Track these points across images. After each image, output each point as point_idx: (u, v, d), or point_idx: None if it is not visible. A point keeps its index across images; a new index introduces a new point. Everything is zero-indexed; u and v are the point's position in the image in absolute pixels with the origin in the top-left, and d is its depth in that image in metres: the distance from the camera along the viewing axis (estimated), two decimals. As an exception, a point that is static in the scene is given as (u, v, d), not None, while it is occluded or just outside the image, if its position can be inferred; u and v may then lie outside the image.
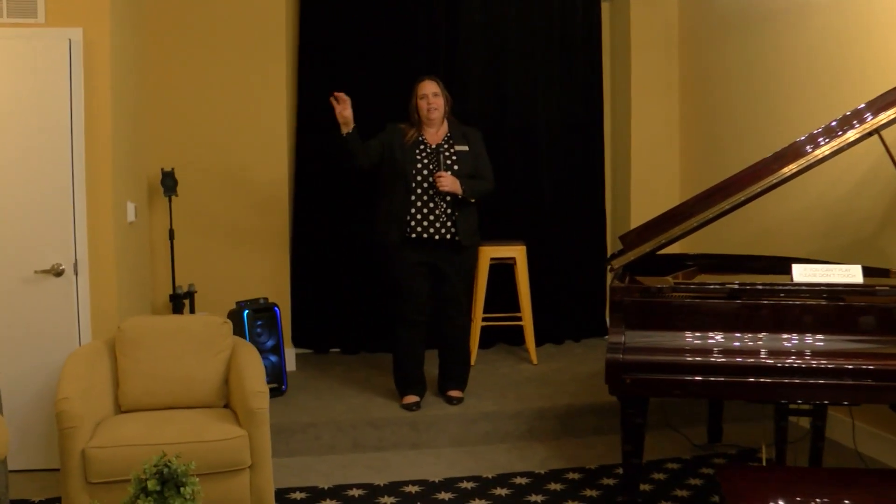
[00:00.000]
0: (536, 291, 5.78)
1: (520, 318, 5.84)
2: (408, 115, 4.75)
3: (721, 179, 5.42)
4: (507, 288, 5.91)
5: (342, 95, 4.40)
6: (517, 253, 5.62)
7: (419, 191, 4.55)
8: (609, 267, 3.55)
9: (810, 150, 3.26)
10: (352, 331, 6.02)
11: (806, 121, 4.68)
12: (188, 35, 5.31)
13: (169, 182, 5.04)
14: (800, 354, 2.98)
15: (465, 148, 4.69)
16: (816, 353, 2.98)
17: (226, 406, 3.74)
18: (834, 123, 3.31)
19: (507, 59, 6.15)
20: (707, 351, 3.03)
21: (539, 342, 5.96)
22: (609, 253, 6.49)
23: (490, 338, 6.07)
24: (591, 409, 4.67)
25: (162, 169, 5.06)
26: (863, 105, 3.31)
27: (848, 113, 3.32)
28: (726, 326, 3.06)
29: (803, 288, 3.10)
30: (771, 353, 3.00)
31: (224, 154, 5.40)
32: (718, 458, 4.25)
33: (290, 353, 5.52)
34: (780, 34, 4.90)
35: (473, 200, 4.67)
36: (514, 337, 6.17)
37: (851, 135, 3.27)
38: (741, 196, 3.36)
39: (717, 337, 3.07)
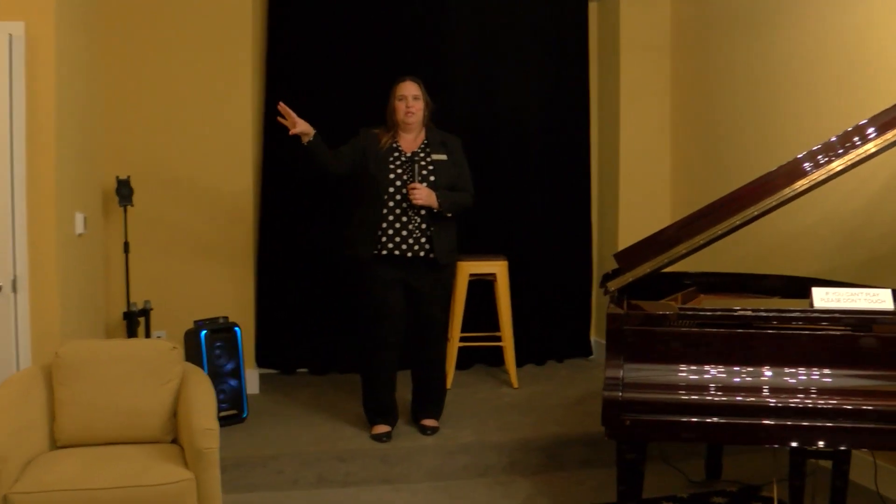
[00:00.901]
0: (517, 309, 5.43)
1: (500, 338, 5.51)
2: (384, 118, 4.40)
3: (713, 190, 5.17)
4: (487, 305, 5.58)
5: (283, 108, 4.09)
6: (498, 268, 5.28)
7: (391, 203, 4.19)
8: (604, 289, 3.20)
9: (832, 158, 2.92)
10: (321, 350, 5.65)
11: (810, 129, 4.38)
12: (147, 34, 4.93)
13: (124, 191, 4.67)
14: (841, 394, 2.63)
15: (444, 157, 4.33)
16: (866, 393, 2.63)
17: (174, 441, 3.35)
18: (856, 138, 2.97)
19: (493, 62, 5.83)
20: (730, 388, 2.67)
21: (520, 363, 5.62)
22: (594, 268, 6.18)
23: (467, 358, 5.71)
24: (581, 439, 4.30)
25: (117, 177, 4.69)
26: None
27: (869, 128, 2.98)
28: (745, 360, 2.70)
29: (827, 315, 2.75)
30: (794, 392, 2.65)
31: (185, 162, 5.01)
32: (718, 497, 3.89)
33: (254, 375, 5.13)
34: (780, 36, 4.58)
35: (450, 215, 4.31)
36: (492, 357, 5.82)
37: (871, 147, 2.93)
38: (754, 210, 3.00)
39: (741, 372, 2.71)
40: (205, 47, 5.00)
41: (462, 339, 5.33)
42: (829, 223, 4.20)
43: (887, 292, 2.81)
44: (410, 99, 4.27)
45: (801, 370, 2.68)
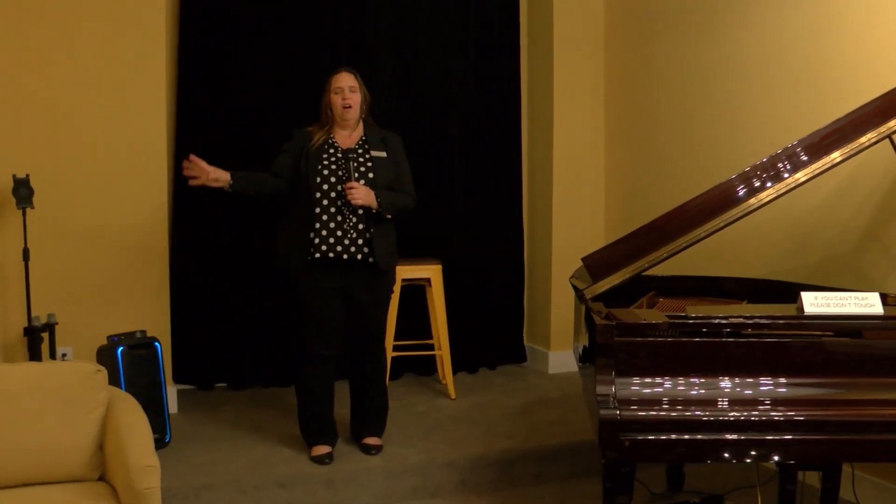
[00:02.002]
0: (447, 315, 5.15)
1: (433, 347, 5.25)
2: (318, 114, 4.07)
3: (647, 192, 5.02)
4: (417, 311, 5.31)
5: (194, 160, 3.79)
6: (432, 273, 5.02)
7: (325, 202, 3.86)
8: (579, 297, 2.95)
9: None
10: (241, 363, 5.24)
11: (757, 131, 4.27)
12: (45, 21, 4.42)
13: (23, 192, 4.17)
14: (861, 404, 2.45)
15: (383, 154, 4.02)
16: (880, 403, 2.46)
17: (101, 479, 2.93)
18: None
19: (418, 58, 5.55)
20: (748, 402, 2.46)
21: (451, 371, 5.34)
22: (526, 271, 5.97)
23: (397, 368, 5.38)
24: (533, 453, 4.07)
25: (14, 176, 4.17)
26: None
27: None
28: (753, 370, 2.49)
29: (824, 322, 2.58)
30: (807, 403, 2.46)
31: (91, 159, 4.52)
32: (682, 510, 3.73)
33: (172, 393, 4.70)
34: (728, 31, 4.46)
35: (390, 216, 4.01)
36: (423, 366, 5.55)
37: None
38: (738, 211, 2.83)
39: (746, 384, 2.50)
40: (112, 33, 4.52)
41: (396, 349, 5.05)
42: (781, 223, 4.08)
43: (875, 296, 2.67)
44: (347, 91, 3.95)
45: (809, 379, 2.50)
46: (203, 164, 3.76)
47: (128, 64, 4.56)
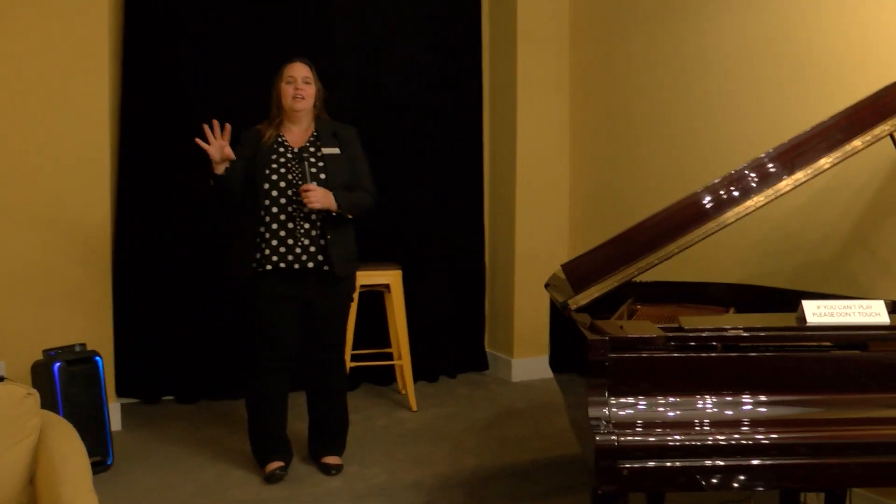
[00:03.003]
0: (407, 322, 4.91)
1: (391, 356, 5.01)
2: (268, 109, 3.80)
3: (613, 194, 4.81)
4: (374, 318, 5.07)
5: (216, 126, 3.49)
6: (392, 278, 4.78)
7: (274, 210, 3.60)
8: (562, 307, 2.72)
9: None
10: (188, 375, 4.94)
11: (738, 128, 4.09)
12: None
13: (-53, 194, 3.84)
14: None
15: (336, 150, 3.75)
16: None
17: (32, 514, 2.63)
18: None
19: (376, 55, 5.30)
20: (762, 423, 2.25)
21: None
22: (487, 275, 5.74)
23: (353, 377, 5.11)
24: (503, 471, 3.85)
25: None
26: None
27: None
28: (764, 387, 2.29)
29: (832, 333, 2.39)
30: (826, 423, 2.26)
31: (26, 162, 4.17)
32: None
33: (115, 409, 4.37)
34: (706, 25, 4.28)
35: (351, 217, 3.75)
36: (380, 376, 5.30)
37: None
38: (731, 216, 2.63)
39: (763, 402, 2.30)
40: (49, 20, 4.18)
41: (354, 359, 4.81)
42: (761, 224, 3.90)
43: (880, 303, 2.49)
44: (300, 81, 3.68)
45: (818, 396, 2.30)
46: (221, 139, 3.49)
47: (69, 63, 4.23)
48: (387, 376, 5.32)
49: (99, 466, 3.73)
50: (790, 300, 3.18)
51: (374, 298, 4.98)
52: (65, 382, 3.70)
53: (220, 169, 3.51)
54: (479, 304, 5.75)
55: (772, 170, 2.67)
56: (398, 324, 4.81)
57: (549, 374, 5.43)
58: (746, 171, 2.67)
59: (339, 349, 3.90)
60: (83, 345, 3.90)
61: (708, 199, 2.66)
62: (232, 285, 3.86)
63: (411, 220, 5.42)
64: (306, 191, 3.54)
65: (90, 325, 4.29)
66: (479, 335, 5.77)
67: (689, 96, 4.43)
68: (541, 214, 5.50)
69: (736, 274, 3.91)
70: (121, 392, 4.73)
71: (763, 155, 2.67)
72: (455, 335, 5.63)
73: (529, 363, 5.43)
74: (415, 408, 4.79)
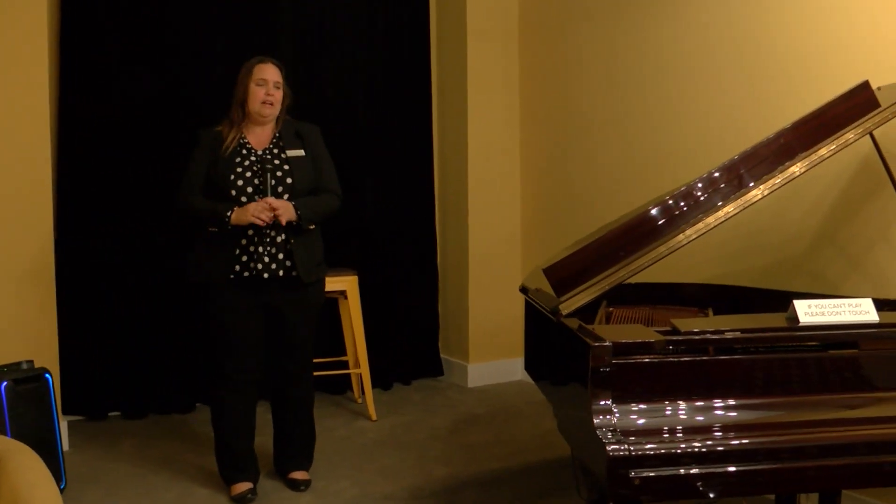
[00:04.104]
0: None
1: (347, 363, 4.90)
2: (214, 108, 3.65)
3: (563, 193, 4.78)
4: (330, 326, 4.94)
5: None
6: (348, 285, 4.66)
7: None
8: (553, 313, 2.65)
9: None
10: (136, 388, 4.74)
11: (701, 125, 4.09)
12: None
13: None
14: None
15: (301, 152, 3.64)
16: None
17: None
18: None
19: (318, 52, 5.14)
20: (768, 427, 2.22)
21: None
22: (440, 278, 5.65)
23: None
24: (473, 481, 3.77)
25: None
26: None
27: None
28: (773, 391, 2.28)
29: (826, 333, 2.39)
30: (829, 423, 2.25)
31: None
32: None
33: (62, 427, 4.14)
34: (664, 20, 4.26)
35: (313, 227, 3.64)
36: (334, 384, 5.16)
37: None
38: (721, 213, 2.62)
39: (767, 404, 2.27)
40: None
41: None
42: (729, 223, 3.90)
43: (868, 301, 2.50)
44: (272, 86, 3.56)
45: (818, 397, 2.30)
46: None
47: (4, 66, 3.99)
48: (341, 384, 5.19)
49: (51, 490, 3.52)
50: (765, 300, 3.21)
51: (328, 304, 4.85)
52: (13, 402, 3.49)
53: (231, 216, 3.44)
54: (432, 308, 5.66)
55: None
56: (356, 331, 4.69)
57: (505, 378, 5.49)
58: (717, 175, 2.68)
59: (307, 360, 3.77)
60: (31, 361, 3.69)
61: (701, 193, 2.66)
62: (187, 294, 3.72)
63: (360, 222, 5.29)
64: (275, 209, 3.41)
65: (36, 341, 4.04)
66: (433, 340, 5.67)
67: (644, 93, 4.42)
68: (493, 214, 5.44)
69: (704, 273, 3.90)
70: (65, 409, 4.50)
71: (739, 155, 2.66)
72: (408, 340, 5.52)
73: (485, 368, 5.38)
74: (374, 417, 4.68)
